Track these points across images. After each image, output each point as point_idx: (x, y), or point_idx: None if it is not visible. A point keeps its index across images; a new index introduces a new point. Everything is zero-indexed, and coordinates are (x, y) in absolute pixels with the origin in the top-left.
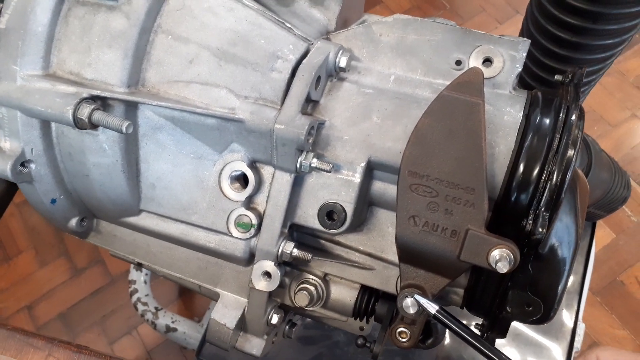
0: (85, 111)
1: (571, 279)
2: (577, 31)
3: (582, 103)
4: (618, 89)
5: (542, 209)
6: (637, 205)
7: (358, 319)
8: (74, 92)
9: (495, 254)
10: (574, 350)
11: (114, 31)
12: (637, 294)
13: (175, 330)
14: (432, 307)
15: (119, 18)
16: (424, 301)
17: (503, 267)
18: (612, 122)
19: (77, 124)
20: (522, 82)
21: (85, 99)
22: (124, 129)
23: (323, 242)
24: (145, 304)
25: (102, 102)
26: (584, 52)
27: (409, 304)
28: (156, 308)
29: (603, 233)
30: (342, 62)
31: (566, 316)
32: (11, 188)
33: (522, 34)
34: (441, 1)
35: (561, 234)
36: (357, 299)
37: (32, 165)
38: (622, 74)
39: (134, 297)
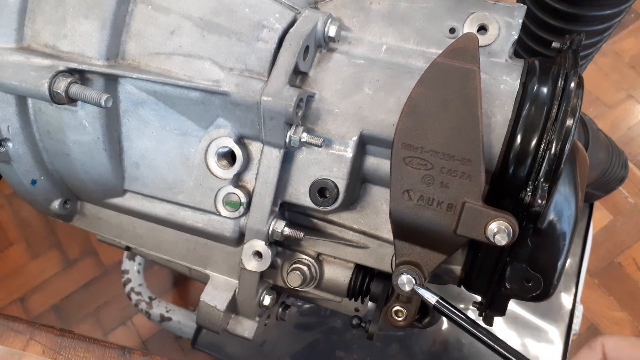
0: (61, 85)
1: (569, 260)
2: (572, 1)
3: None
4: (613, 69)
5: (542, 180)
6: (634, 187)
7: (353, 299)
8: (49, 65)
9: (493, 226)
10: (572, 332)
11: (90, 0)
12: (635, 275)
13: (169, 319)
14: (432, 298)
15: None
16: (423, 292)
17: (501, 240)
18: (608, 103)
19: (54, 98)
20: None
21: (62, 72)
22: (102, 103)
23: (315, 220)
24: (139, 293)
25: (80, 76)
26: (580, 23)
27: (404, 281)
28: (150, 297)
29: (600, 215)
30: (331, 31)
31: (564, 298)
32: None
33: None
34: None
35: (560, 208)
36: (351, 278)
37: (9, 144)
38: (617, 54)
39: (127, 287)
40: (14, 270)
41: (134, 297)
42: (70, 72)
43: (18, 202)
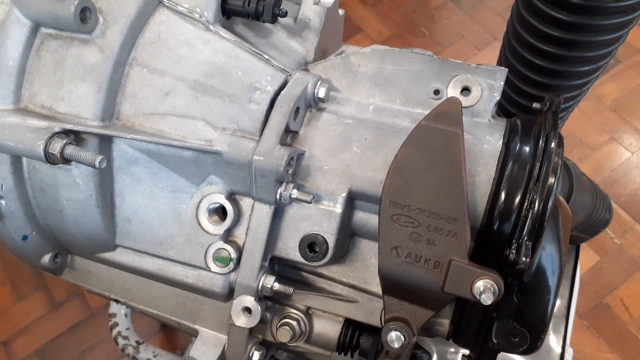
0: (57, 146)
1: (558, 303)
2: (553, 59)
3: (560, 129)
4: (596, 112)
5: (525, 238)
6: (619, 228)
7: (342, 353)
8: (45, 127)
9: (480, 285)
10: None
11: (87, 64)
12: (623, 316)
13: None
14: None
15: (93, 51)
16: None
17: (487, 299)
18: (592, 145)
19: (49, 159)
20: (502, 109)
21: (58, 133)
22: (97, 164)
23: (305, 274)
24: (126, 337)
25: (76, 136)
26: (561, 78)
27: (393, 338)
28: (137, 342)
29: (587, 256)
30: (321, 92)
31: (554, 341)
32: None
33: (499, 62)
34: (421, 29)
35: (545, 262)
36: (340, 332)
37: (2, 202)
38: (599, 98)
39: (115, 331)
40: None
41: (120, 341)
42: (66, 133)
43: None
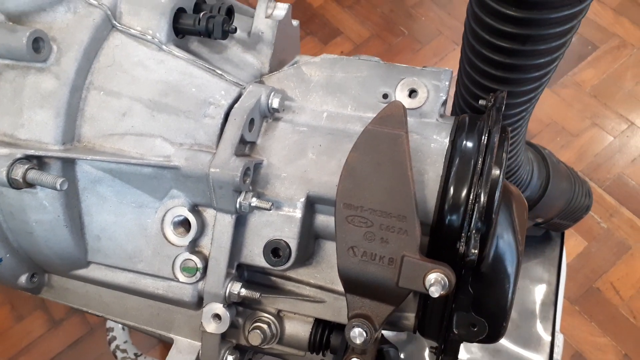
0: (19, 171)
1: (544, 290)
2: (508, 53)
3: (528, 120)
4: (576, 99)
5: (473, 231)
6: (605, 212)
7: (314, 352)
8: (7, 154)
9: (431, 278)
10: None
11: (44, 91)
12: (614, 299)
13: None
14: None
15: (49, 79)
16: None
17: (435, 291)
18: (574, 132)
19: (12, 184)
20: (467, 106)
21: (20, 159)
22: (58, 186)
23: (274, 278)
24: (124, 350)
25: (38, 161)
26: (519, 72)
27: (356, 334)
28: (135, 354)
29: (575, 242)
30: (275, 103)
31: (544, 328)
32: None
33: (461, 58)
34: (399, 28)
35: (501, 252)
36: (311, 332)
37: None
38: (578, 85)
39: (113, 345)
40: None
41: (119, 354)
42: (28, 158)
43: None
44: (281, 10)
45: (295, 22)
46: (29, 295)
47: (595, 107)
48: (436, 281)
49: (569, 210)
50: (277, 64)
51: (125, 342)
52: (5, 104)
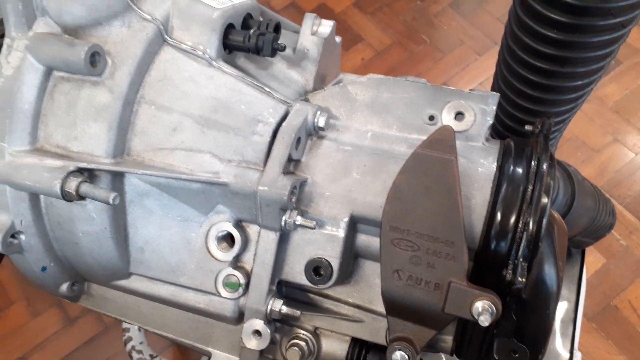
0: (72, 184)
1: (565, 307)
2: (546, 74)
3: (560, 137)
4: (598, 114)
5: (521, 259)
6: (624, 229)
7: None
8: (61, 166)
9: (478, 305)
10: None
11: (98, 105)
12: (632, 318)
13: None
14: None
15: (103, 92)
16: None
17: (485, 320)
18: (595, 147)
19: (65, 197)
20: (499, 123)
21: (72, 172)
22: (111, 201)
23: (312, 295)
24: (140, 352)
25: (89, 173)
26: (555, 93)
27: (398, 357)
28: (151, 356)
29: (594, 258)
30: (321, 122)
31: (562, 345)
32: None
33: (495, 77)
34: (421, 36)
35: (542, 279)
36: (348, 351)
37: (22, 236)
38: (601, 100)
39: (129, 345)
40: (14, 329)
41: (135, 355)
42: (80, 171)
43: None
44: (326, 27)
45: (338, 39)
46: (45, 292)
47: (617, 123)
48: (484, 309)
49: (592, 228)
50: (319, 81)
51: (141, 343)
52: (59, 116)
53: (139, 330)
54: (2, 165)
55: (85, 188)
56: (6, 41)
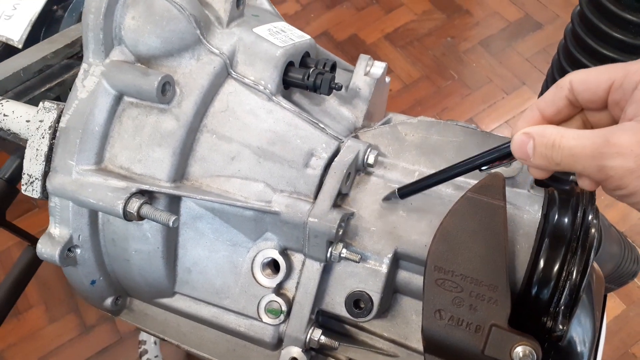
0: (134, 205)
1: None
2: None
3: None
4: None
5: (562, 307)
6: None
7: None
8: (124, 187)
9: (519, 350)
10: None
11: (164, 131)
12: None
13: None
14: None
15: (170, 120)
16: None
17: None
18: None
19: (126, 216)
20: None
21: (135, 193)
22: (170, 224)
23: (348, 327)
24: None
25: (149, 195)
26: None
27: None
28: None
29: (613, 304)
30: (370, 159)
31: None
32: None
33: (543, 89)
34: (450, 72)
35: (580, 328)
36: None
37: (78, 250)
38: None
39: (144, 358)
40: (31, 333)
41: None
42: (142, 192)
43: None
44: (379, 68)
45: (387, 79)
46: (64, 298)
47: None
48: (524, 355)
49: (617, 275)
50: (367, 119)
51: (156, 356)
52: (125, 139)
53: (155, 343)
54: (69, 182)
55: (147, 210)
56: (83, 66)
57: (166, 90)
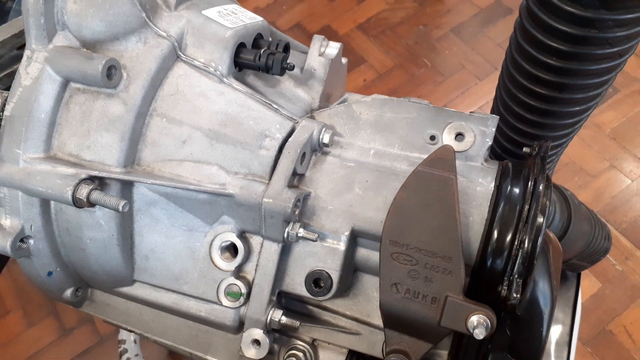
0: (83, 191)
1: (559, 330)
2: (546, 99)
3: (556, 164)
4: (595, 141)
5: (516, 276)
6: (620, 255)
7: None
8: (73, 174)
9: (473, 319)
10: None
11: (112, 116)
12: (626, 343)
13: None
14: None
15: (117, 104)
16: None
17: (480, 334)
18: (592, 172)
19: (76, 203)
20: (499, 146)
21: (84, 179)
22: (120, 208)
23: (310, 307)
24: None
25: (100, 182)
26: (553, 118)
27: None
28: None
29: (589, 282)
30: (325, 138)
31: None
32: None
33: (495, 101)
34: (423, 60)
35: (537, 296)
36: None
37: (31, 241)
38: (598, 126)
39: (124, 357)
40: (9, 339)
41: None
42: (92, 178)
43: (17, 270)
44: (333, 49)
45: (344, 60)
46: (42, 302)
47: (614, 150)
48: (479, 323)
49: (588, 252)
50: (325, 99)
51: (136, 355)
52: (73, 126)
53: (135, 342)
54: (17, 171)
55: (96, 195)
56: (26, 53)
57: (112, 74)
